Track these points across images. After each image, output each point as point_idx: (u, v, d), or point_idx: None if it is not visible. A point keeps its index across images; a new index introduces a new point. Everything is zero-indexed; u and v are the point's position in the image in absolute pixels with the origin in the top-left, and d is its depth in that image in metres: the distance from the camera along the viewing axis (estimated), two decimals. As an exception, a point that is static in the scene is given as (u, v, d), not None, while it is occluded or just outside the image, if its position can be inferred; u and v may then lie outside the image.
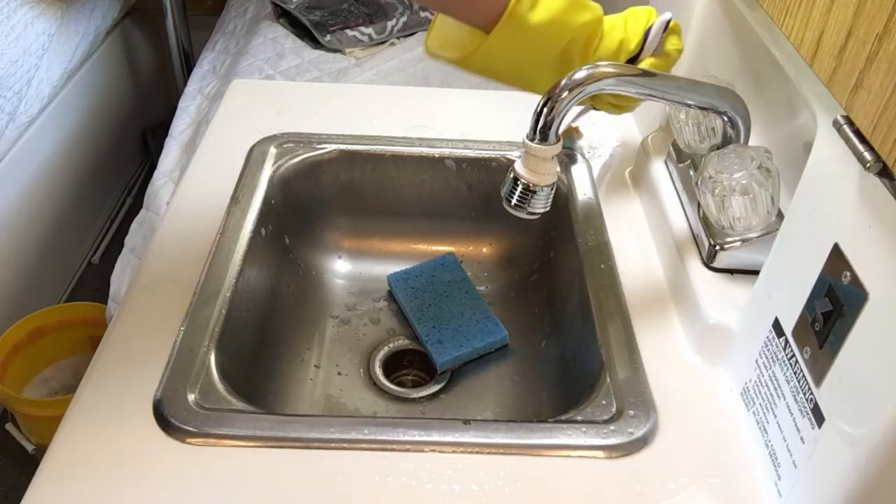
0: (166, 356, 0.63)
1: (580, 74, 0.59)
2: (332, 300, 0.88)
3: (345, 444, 0.57)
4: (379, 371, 0.81)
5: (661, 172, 0.80)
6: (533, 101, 0.62)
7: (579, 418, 0.60)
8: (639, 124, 0.95)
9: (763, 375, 0.58)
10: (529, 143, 0.61)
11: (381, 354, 0.82)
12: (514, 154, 0.90)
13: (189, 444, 0.56)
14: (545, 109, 0.59)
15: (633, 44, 0.66)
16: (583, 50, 0.64)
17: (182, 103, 1.68)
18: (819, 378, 0.50)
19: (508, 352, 0.83)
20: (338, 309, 0.87)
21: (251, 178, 0.83)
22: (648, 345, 0.66)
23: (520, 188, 0.63)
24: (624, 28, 0.65)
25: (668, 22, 0.68)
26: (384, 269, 0.91)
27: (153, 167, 1.56)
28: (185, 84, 1.80)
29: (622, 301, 0.70)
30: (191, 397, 0.59)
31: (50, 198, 1.70)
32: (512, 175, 0.64)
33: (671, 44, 0.68)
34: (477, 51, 0.61)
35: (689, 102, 0.66)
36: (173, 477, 0.54)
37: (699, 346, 0.66)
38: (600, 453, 0.57)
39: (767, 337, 0.58)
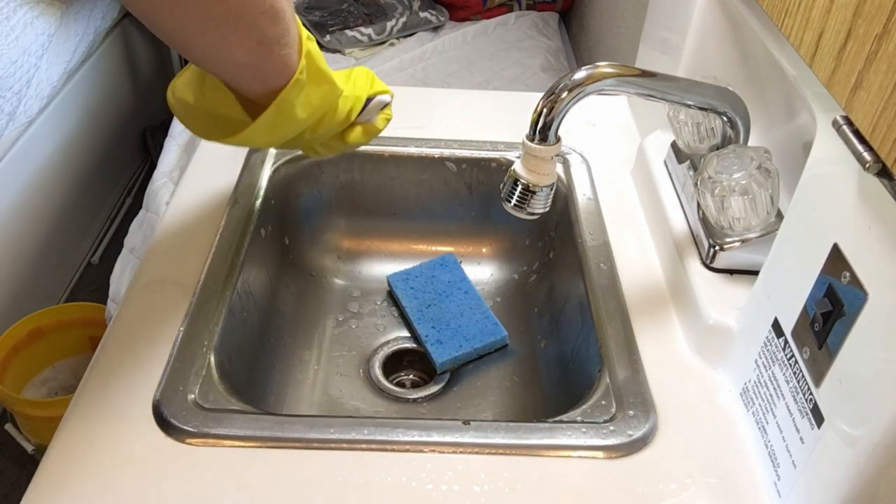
0: (166, 356, 0.63)
1: (580, 75, 0.59)
2: (332, 300, 0.88)
3: (344, 445, 0.57)
4: (378, 371, 0.81)
5: (660, 173, 0.80)
6: (533, 101, 0.62)
7: (579, 418, 0.60)
8: (638, 124, 0.95)
9: (762, 376, 0.58)
10: (529, 143, 0.61)
11: (381, 355, 0.82)
12: (513, 154, 0.90)
13: (189, 444, 0.56)
14: (545, 110, 0.59)
15: (356, 112, 0.68)
16: (319, 121, 0.65)
17: (182, 103, 1.67)
18: (818, 378, 0.50)
19: (508, 352, 0.83)
20: (337, 309, 0.87)
21: (251, 178, 0.83)
22: (648, 345, 0.66)
23: (519, 188, 0.64)
24: (353, 97, 0.67)
25: (388, 104, 0.71)
26: (384, 270, 0.91)
27: (153, 167, 1.56)
28: (184, 84, 1.80)
29: (622, 301, 0.70)
30: (190, 397, 0.59)
31: (50, 198, 1.70)
32: (511, 175, 0.64)
33: (384, 114, 0.71)
34: (239, 135, 0.60)
35: (689, 102, 0.66)
36: (173, 477, 0.54)
37: (699, 347, 0.66)
38: (600, 453, 0.57)
39: (767, 337, 0.58)
